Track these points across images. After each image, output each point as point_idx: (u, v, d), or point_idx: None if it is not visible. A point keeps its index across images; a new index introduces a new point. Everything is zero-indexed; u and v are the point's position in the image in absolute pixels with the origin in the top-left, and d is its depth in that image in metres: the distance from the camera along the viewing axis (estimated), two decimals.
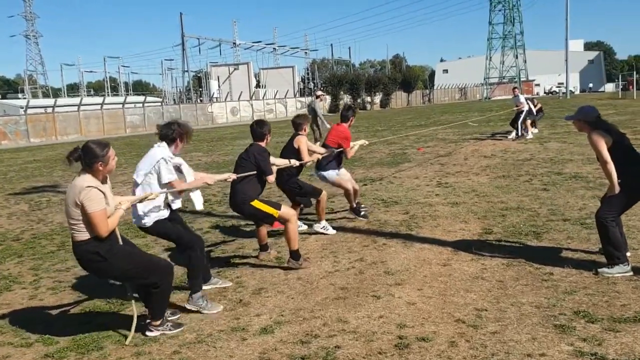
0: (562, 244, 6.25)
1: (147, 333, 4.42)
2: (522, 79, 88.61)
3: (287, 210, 6.17)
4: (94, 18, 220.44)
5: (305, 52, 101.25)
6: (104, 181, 4.29)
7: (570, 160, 12.67)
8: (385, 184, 11.07)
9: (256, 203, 6.03)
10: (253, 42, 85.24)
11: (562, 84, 76.29)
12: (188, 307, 4.93)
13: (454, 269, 5.62)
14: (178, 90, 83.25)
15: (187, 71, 72.26)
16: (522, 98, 19.06)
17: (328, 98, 61.30)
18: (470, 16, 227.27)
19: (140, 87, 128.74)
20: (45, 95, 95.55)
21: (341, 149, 8.35)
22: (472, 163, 13.33)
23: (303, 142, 7.59)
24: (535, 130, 20.07)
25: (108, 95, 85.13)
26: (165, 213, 5.08)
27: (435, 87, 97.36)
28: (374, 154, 16.59)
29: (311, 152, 7.79)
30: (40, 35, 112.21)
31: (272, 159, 6.73)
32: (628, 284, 4.90)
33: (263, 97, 60.15)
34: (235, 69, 73.90)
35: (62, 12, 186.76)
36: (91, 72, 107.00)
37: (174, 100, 71.51)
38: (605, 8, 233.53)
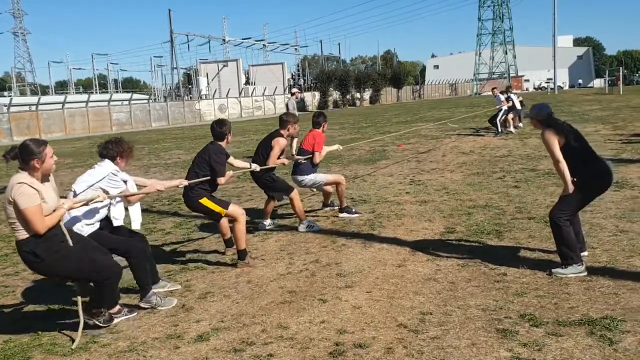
0: (522, 243, 6.13)
1: (106, 324, 4.52)
2: (511, 75, 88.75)
3: (235, 209, 6.09)
4: (82, 15, 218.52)
5: (296, 49, 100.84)
6: (44, 179, 4.20)
7: (547, 156, 12.52)
8: (358, 182, 10.93)
9: (205, 200, 6.01)
10: (243, 39, 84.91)
11: (551, 79, 76.35)
12: (142, 305, 4.92)
13: (408, 270, 5.48)
14: (168, 87, 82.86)
15: (175, 68, 71.74)
16: (502, 97, 19.02)
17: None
18: (462, 11, 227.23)
19: (131, 85, 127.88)
20: (34, 92, 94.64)
21: (309, 156, 8.18)
22: (449, 160, 13.21)
23: (279, 144, 7.45)
24: (521, 125, 20.06)
25: (96, 92, 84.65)
26: (97, 225, 4.96)
27: (426, 83, 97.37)
28: (354, 151, 16.44)
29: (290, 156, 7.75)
30: (28, 32, 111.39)
31: (233, 160, 6.63)
32: (580, 285, 4.78)
33: (252, 94, 59.89)
34: (224, 66, 73.55)
35: (51, 9, 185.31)
36: (80, 69, 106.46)
37: (164, 97, 71.10)
38: (594, 4, 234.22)
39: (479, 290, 4.80)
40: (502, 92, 19.60)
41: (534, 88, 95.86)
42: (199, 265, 6.18)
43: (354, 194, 9.72)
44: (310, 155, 8.08)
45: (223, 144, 6.29)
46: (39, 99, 42.47)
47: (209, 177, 6.06)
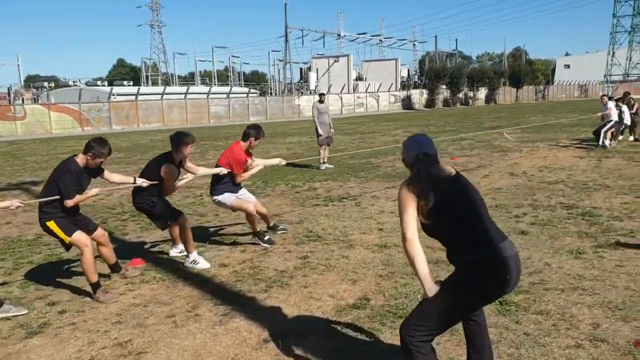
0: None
1: None
2: None
3: (79, 238, 5.28)
4: (208, 6, 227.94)
5: (414, 44, 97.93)
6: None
7: (605, 187, 9.77)
8: (342, 207, 8.99)
9: (51, 224, 5.28)
10: (358, 34, 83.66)
11: None
12: None
13: None
14: (283, 82, 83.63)
15: (289, 63, 72.14)
16: (610, 104, 15.90)
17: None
18: (597, 5, 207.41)
19: (257, 78, 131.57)
20: (166, 82, 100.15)
21: (229, 172, 6.77)
22: (485, 183, 10.79)
23: (166, 172, 6.24)
24: (614, 143, 16.76)
25: (215, 85, 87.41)
26: None
27: (554, 83, 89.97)
28: (393, 162, 14.35)
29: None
30: (164, 25, 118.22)
31: (109, 175, 5.76)
32: None
33: (354, 90, 58.37)
34: (335, 61, 72.70)
35: (181, 3, 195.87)
36: (204, 61, 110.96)
37: (283, 91, 71.51)
38: None
39: None
40: (615, 99, 16.57)
41: None
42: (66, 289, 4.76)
43: (323, 223, 7.86)
44: (230, 171, 6.78)
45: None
46: (139, 89, 43.85)
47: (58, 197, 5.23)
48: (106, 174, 5.67)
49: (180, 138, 6.16)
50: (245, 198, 7.07)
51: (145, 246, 7.15)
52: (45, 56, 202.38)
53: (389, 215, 8.20)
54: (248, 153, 7.16)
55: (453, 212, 2.99)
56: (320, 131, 13.44)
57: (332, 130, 13.91)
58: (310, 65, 75.42)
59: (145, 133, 30.72)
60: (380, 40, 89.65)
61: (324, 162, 13.64)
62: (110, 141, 5.46)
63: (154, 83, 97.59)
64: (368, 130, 26.22)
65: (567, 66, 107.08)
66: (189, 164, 6.64)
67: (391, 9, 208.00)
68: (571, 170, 11.82)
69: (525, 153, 15.14)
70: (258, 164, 7.50)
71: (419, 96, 60.99)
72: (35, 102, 48.32)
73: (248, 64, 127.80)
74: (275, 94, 70.54)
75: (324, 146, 13.62)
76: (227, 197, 6.86)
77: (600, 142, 15.37)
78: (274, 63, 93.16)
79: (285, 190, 10.84)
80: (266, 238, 6.96)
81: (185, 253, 6.32)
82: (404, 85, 68.09)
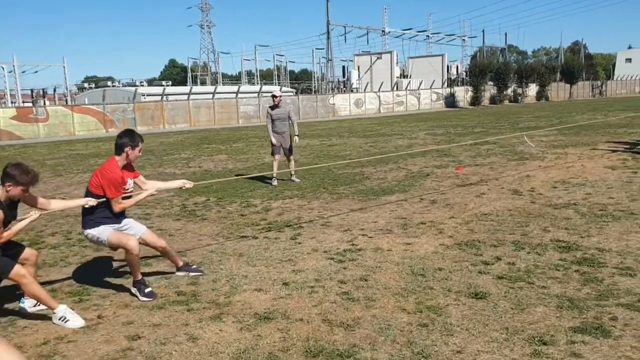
0: None
1: None
2: None
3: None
4: (251, 6, 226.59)
5: (463, 40, 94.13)
6: None
7: (629, 214, 7.38)
8: (273, 241, 6.97)
9: None
10: (404, 30, 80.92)
11: None
12: None
13: None
14: (326, 80, 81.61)
15: (331, 60, 70.21)
16: None
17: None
18: None
19: (306, 76, 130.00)
20: (214, 82, 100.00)
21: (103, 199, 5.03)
22: (475, 204, 8.55)
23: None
24: None
25: (255, 84, 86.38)
26: None
27: (615, 78, 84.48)
28: (395, 172, 12.21)
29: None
30: (213, 25, 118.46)
31: None
32: None
33: (396, 88, 55.87)
34: (377, 58, 70.30)
35: (227, 3, 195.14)
36: (249, 60, 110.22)
37: (329, 89, 69.48)
38: None
39: None
40: None
41: None
42: None
43: (222, 269, 5.90)
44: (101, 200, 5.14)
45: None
46: (164, 89, 42.76)
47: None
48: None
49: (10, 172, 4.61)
50: (131, 231, 5.28)
51: None
52: (104, 58, 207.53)
53: (320, 257, 6.16)
54: (129, 169, 5.36)
55: None
56: (273, 140, 11.31)
57: (296, 138, 11.52)
58: (353, 63, 73.29)
59: (180, 134, 29.47)
60: (428, 35, 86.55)
61: (275, 177, 11.34)
62: None
63: (203, 83, 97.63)
64: (389, 133, 23.97)
65: (629, 60, 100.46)
66: (40, 200, 4.91)
67: (439, 4, 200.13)
68: (594, 187, 9.40)
69: (548, 162, 12.68)
70: (150, 187, 5.69)
71: (463, 93, 57.87)
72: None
73: (294, 62, 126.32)
74: (321, 93, 68.80)
75: (277, 157, 11.30)
76: (102, 231, 5.10)
77: None
78: (319, 61, 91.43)
79: (232, 211, 8.94)
80: (147, 290, 5.14)
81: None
82: (452, 82, 64.99)
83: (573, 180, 10.18)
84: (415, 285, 5.11)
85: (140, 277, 5.20)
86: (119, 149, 5.21)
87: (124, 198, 5.27)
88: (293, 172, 11.59)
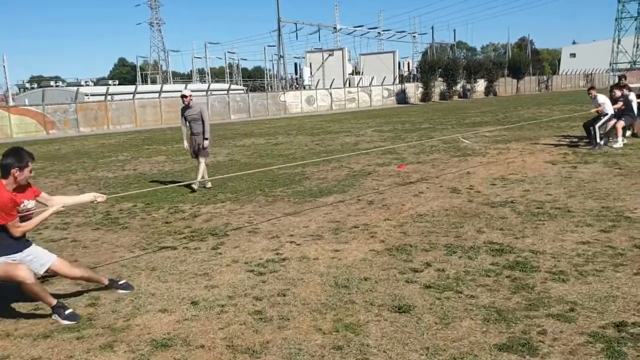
0: None
1: None
2: None
3: None
4: (201, 4, 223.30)
5: (413, 36, 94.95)
6: None
7: (566, 212, 7.17)
8: (192, 251, 6.45)
9: None
10: (355, 27, 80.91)
11: None
12: None
13: None
14: (278, 77, 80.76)
15: (282, 57, 69.48)
16: (601, 99, 13.41)
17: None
18: None
19: (259, 73, 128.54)
20: (165, 81, 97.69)
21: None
22: (412, 204, 8.22)
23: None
24: (628, 134, 14.42)
25: (207, 82, 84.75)
26: None
27: (560, 73, 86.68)
28: (337, 171, 11.81)
29: None
30: (163, 23, 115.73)
31: None
32: None
33: (346, 84, 55.71)
34: (329, 55, 70.06)
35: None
36: (200, 58, 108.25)
37: (281, 87, 68.54)
38: None
39: None
40: (616, 88, 14.05)
41: None
42: None
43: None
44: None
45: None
46: (107, 89, 41.32)
47: None
48: None
49: None
50: (36, 262, 4.66)
51: None
52: (51, 58, 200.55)
53: (239, 269, 5.67)
54: (24, 188, 4.73)
55: None
56: (184, 145, 10.66)
57: (205, 142, 10.41)
58: (305, 60, 72.79)
59: (125, 134, 28.32)
60: (379, 32, 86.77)
61: (195, 182, 10.48)
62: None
63: (153, 82, 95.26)
64: (337, 130, 23.61)
65: (573, 55, 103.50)
66: None
67: (390, 1, 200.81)
68: (532, 184, 9.21)
69: (490, 157, 12.53)
70: (56, 203, 5.07)
71: (414, 90, 58.16)
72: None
73: (246, 59, 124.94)
74: (273, 90, 67.99)
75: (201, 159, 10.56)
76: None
77: (596, 140, 12.88)
78: (271, 58, 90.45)
79: (157, 218, 8.36)
80: (67, 312, 4.57)
81: None
82: (403, 79, 65.25)
83: (512, 176, 9.99)
84: (336, 299, 4.69)
85: (54, 302, 4.61)
86: (4, 171, 4.58)
87: (23, 220, 4.67)
88: (205, 178, 10.62)
